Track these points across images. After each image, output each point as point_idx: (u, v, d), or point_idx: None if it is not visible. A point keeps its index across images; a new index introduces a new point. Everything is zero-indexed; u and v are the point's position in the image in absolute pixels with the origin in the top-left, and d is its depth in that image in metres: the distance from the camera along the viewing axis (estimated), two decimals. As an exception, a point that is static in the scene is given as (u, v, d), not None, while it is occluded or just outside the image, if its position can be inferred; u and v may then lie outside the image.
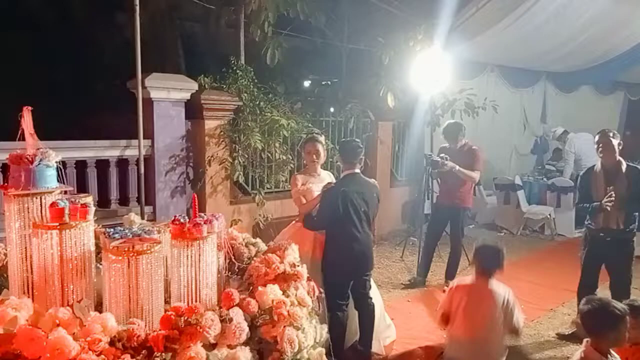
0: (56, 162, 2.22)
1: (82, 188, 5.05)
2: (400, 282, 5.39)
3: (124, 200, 5.38)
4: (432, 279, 5.49)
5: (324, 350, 2.17)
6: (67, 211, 2.04)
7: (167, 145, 5.46)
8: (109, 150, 5.18)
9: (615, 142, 3.69)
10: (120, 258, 1.98)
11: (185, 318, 1.85)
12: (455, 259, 5.39)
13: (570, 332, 3.99)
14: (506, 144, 9.63)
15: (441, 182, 5.50)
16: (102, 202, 5.22)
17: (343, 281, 3.39)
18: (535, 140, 10.16)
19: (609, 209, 3.58)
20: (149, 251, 2.02)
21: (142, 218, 5.31)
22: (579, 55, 8.68)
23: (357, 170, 3.49)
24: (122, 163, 5.30)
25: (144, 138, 5.25)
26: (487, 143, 9.11)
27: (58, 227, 1.99)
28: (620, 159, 3.71)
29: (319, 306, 2.54)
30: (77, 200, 2.44)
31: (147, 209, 5.40)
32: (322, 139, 3.76)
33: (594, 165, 3.85)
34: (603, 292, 3.95)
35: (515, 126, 9.75)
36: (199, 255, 2.20)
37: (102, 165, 5.17)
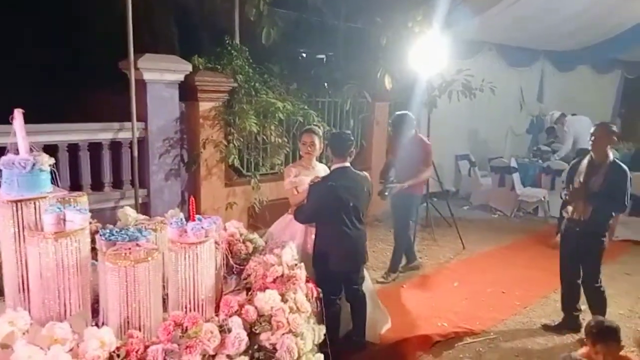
0: (49, 165, 2.16)
1: (74, 171, 5.00)
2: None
3: (117, 184, 5.33)
4: (427, 263, 5.53)
5: (322, 356, 2.18)
6: (62, 218, 2.00)
7: (160, 128, 5.38)
8: (101, 133, 5.10)
9: (609, 136, 3.67)
10: (117, 266, 1.96)
11: (185, 331, 1.84)
12: (396, 251, 5.17)
13: (555, 324, 4.05)
14: (502, 124, 9.62)
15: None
16: (96, 185, 5.17)
17: (334, 276, 3.38)
18: (532, 120, 10.14)
19: (562, 197, 3.72)
20: (147, 259, 2.00)
21: (136, 201, 5.32)
22: (580, 34, 8.58)
23: (347, 164, 3.43)
24: (116, 146, 5.23)
25: (138, 120, 5.17)
26: (483, 122, 9.13)
27: (54, 235, 1.95)
28: (610, 153, 3.69)
29: (317, 305, 2.55)
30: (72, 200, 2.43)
31: (141, 192, 5.36)
32: (319, 131, 3.70)
33: (584, 157, 3.85)
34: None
35: (512, 106, 9.72)
36: (197, 259, 2.18)
37: (95, 148, 5.09)
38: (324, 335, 2.56)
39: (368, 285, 3.76)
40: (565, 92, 10.04)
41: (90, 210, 5.19)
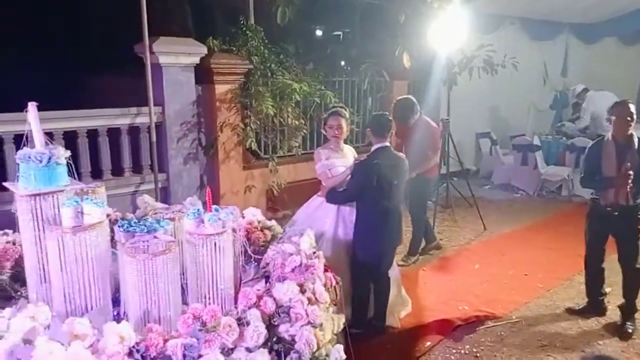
0: (66, 157, 2.15)
1: (94, 157, 5.04)
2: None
3: (137, 169, 5.36)
4: (447, 245, 5.47)
5: (342, 346, 2.16)
6: (79, 211, 2.00)
7: (177, 112, 5.37)
8: (119, 118, 5.12)
9: (630, 114, 3.50)
10: (135, 259, 1.96)
11: (204, 325, 1.83)
12: (414, 234, 5.04)
13: (579, 308, 3.98)
14: (524, 100, 9.38)
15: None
16: (116, 170, 5.22)
17: (373, 261, 3.40)
18: (555, 95, 9.86)
19: (628, 188, 3.47)
20: (165, 252, 1.99)
21: (156, 186, 5.35)
22: (606, 4, 8.25)
23: (387, 144, 3.47)
24: (134, 131, 5.24)
25: (154, 105, 5.17)
26: (505, 99, 8.91)
27: (72, 229, 1.96)
28: (633, 132, 3.54)
29: (337, 294, 2.53)
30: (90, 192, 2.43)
31: (161, 177, 5.39)
32: (345, 113, 3.68)
33: (604, 137, 3.69)
34: (610, 264, 3.92)
35: (535, 81, 9.45)
36: (215, 250, 2.17)
37: (113, 133, 5.12)
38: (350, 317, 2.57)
39: (394, 271, 3.75)
40: (590, 66, 9.70)
41: (111, 196, 5.26)
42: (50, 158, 2.06)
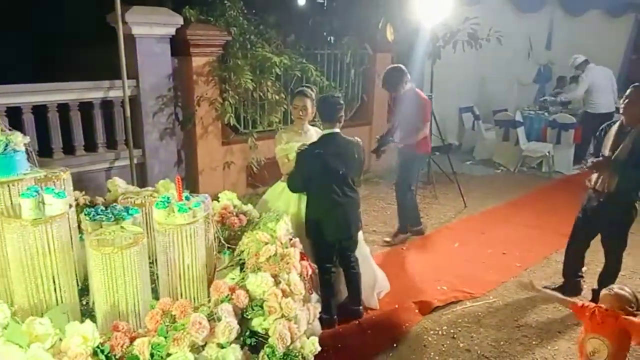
0: (25, 144, 2.03)
1: (66, 132, 4.86)
2: (394, 226, 5.34)
3: (111, 144, 5.20)
4: (428, 223, 5.46)
5: (316, 338, 2.12)
6: (40, 201, 1.90)
7: (153, 85, 5.18)
8: (92, 91, 4.92)
9: None
10: (100, 253, 1.87)
11: (173, 321, 1.77)
12: (400, 211, 5.02)
13: (555, 287, 3.98)
14: (508, 74, 9.32)
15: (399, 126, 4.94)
16: (89, 146, 5.05)
17: (327, 245, 3.32)
18: (539, 69, 9.82)
19: (585, 167, 3.50)
20: (132, 245, 1.91)
21: (131, 162, 5.20)
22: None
23: (337, 130, 3.27)
24: (107, 105, 5.06)
25: (128, 78, 4.96)
26: (489, 73, 8.83)
27: (32, 221, 1.85)
28: None
29: (313, 283, 2.49)
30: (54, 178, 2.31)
31: (136, 152, 5.24)
32: (311, 93, 3.48)
33: (616, 121, 3.58)
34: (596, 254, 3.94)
35: (519, 54, 9.38)
36: (185, 241, 2.09)
37: (86, 108, 4.93)
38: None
39: (362, 250, 3.69)
40: (575, 38, 9.63)
41: (85, 172, 5.10)
42: (7, 145, 1.94)
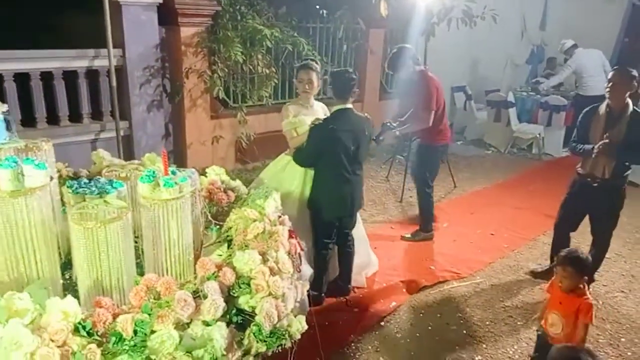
0: (2, 112, 1.94)
1: (50, 102, 4.73)
2: (384, 204, 5.32)
3: (97, 115, 5.08)
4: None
5: (304, 317, 2.09)
6: (19, 172, 1.82)
7: (140, 55, 5.05)
8: (76, 60, 4.78)
9: (629, 82, 3.32)
10: (82, 227, 1.81)
11: (158, 298, 1.73)
12: (420, 209, 4.62)
13: (542, 270, 4.01)
14: (501, 53, 9.23)
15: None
16: (74, 117, 4.93)
17: (329, 221, 3.29)
18: (532, 50, 9.74)
19: (593, 155, 3.40)
20: (115, 220, 1.84)
21: (117, 133, 5.09)
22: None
23: (349, 106, 3.20)
24: (92, 75, 4.93)
25: (114, 47, 4.83)
26: (482, 52, 8.74)
27: (10, 193, 1.78)
28: (629, 101, 3.39)
29: (301, 262, 2.45)
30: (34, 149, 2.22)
31: (123, 124, 5.13)
32: (317, 66, 3.38)
33: (599, 105, 3.52)
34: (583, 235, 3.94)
35: (513, 34, 9.28)
36: (171, 217, 2.03)
37: (70, 77, 4.78)
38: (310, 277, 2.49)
39: (360, 231, 3.67)
40: (569, 19, 9.54)
41: (69, 143, 4.98)
42: (-17, 112, 1.85)
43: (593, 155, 3.42)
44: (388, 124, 4.16)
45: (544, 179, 6.36)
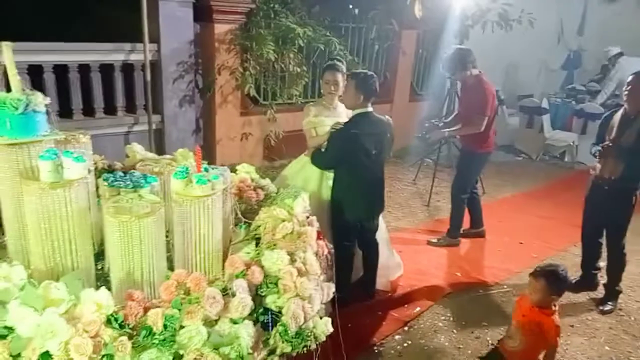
0: (45, 105, 1.99)
1: (86, 94, 4.84)
2: (411, 208, 5.27)
3: (131, 108, 5.19)
4: (445, 207, 5.38)
5: (329, 319, 2.10)
6: (58, 164, 1.87)
7: (174, 50, 5.13)
8: (113, 54, 4.89)
9: None
10: (117, 220, 1.84)
11: (187, 293, 1.75)
12: (453, 214, 4.55)
13: (575, 281, 3.91)
14: (536, 58, 9.03)
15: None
16: (108, 109, 5.04)
17: (350, 224, 3.28)
18: (568, 55, 9.51)
19: (597, 157, 3.42)
20: (149, 214, 1.88)
21: (150, 127, 5.18)
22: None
23: (370, 109, 3.17)
24: (128, 68, 5.03)
25: (150, 42, 4.92)
26: (516, 56, 8.56)
27: (49, 184, 1.83)
28: None
29: (328, 261, 2.45)
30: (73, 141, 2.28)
31: (155, 118, 5.23)
32: (343, 67, 3.36)
33: (618, 109, 3.49)
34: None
35: (548, 38, 9.06)
36: (203, 213, 2.05)
37: (106, 70, 4.89)
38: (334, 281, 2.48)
39: (382, 233, 3.65)
40: (609, 25, 9.27)
41: (104, 135, 5.10)
42: (27, 105, 1.90)
43: (597, 157, 3.44)
44: (436, 123, 4.11)
45: (575, 188, 6.14)
